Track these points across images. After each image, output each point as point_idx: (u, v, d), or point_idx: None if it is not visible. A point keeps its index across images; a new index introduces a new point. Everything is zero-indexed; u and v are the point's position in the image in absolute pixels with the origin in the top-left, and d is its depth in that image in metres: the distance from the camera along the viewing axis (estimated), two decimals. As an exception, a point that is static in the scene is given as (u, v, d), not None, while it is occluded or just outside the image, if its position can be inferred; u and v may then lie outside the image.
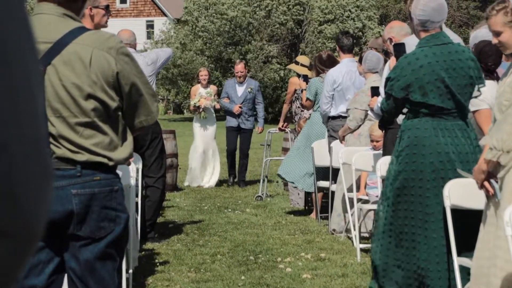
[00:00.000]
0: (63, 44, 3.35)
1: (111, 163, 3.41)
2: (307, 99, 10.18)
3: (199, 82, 14.06)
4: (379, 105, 7.08)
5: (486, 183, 4.23)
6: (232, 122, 13.91)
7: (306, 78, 10.85)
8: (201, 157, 13.81)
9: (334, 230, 8.86)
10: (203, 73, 14.06)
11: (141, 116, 3.50)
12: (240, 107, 13.76)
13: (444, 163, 5.26)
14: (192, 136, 14.31)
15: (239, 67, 14.09)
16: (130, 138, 3.51)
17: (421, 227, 5.29)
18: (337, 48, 9.70)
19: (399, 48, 5.73)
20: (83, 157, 3.36)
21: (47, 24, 3.38)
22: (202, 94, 13.73)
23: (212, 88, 14.00)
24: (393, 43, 5.93)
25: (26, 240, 1.00)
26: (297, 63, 11.70)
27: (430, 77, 5.28)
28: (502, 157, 4.00)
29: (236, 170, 14.06)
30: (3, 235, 0.97)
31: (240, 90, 13.95)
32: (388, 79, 5.40)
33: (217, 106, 13.94)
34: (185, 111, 39.86)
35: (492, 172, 4.18)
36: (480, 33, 6.60)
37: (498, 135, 3.95)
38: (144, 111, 3.50)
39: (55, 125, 3.35)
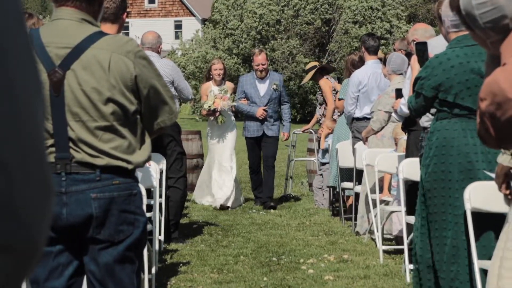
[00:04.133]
0: (82, 49, 3.39)
1: (130, 167, 3.44)
2: (340, 99, 10.16)
3: (211, 78, 11.05)
4: (402, 106, 7.08)
5: (502, 186, 4.22)
6: (252, 131, 11.05)
7: (339, 80, 10.84)
8: (218, 173, 10.99)
9: (357, 232, 8.87)
10: (217, 67, 10.99)
11: (159, 118, 3.53)
12: (264, 110, 10.98)
13: (473, 163, 5.25)
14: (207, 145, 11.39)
15: (260, 58, 11.06)
16: (148, 141, 3.54)
17: (451, 229, 5.27)
18: (363, 49, 9.68)
19: (421, 47, 5.72)
20: (102, 161, 3.39)
21: (66, 29, 3.42)
22: (215, 93, 10.86)
23: (228, 86, 11.09)
24: (415, 42, 5.92)
25: (28, 254, 1.03)
26: (307, 71, 11.69)
27: (461, 77, 5.28)
28: None
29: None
30: (5, 249, 1.00)
31: (262, 88, 11.07)
32: (418, 78, 5.40)
33: (232, 109, 11.13)
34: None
35: None
36: None
37: None
38: (163, 113, 3.53)
39: (75, 129, 3.39)
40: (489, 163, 5.27)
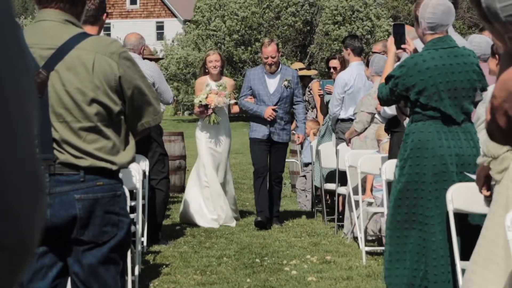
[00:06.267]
0: (66, 50, 3.39)
1: (114, 168, 3.44)
2: None
3: (206, 73, 9.61)
4: (385, 108, 7.11)
5: (483, 188, 4.25)
6: (259, 132, 9.44)
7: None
8: (213, 185, 9.59)
9: (344, 234, 8.88)
10: (213, 58, 9.53)
11: (143, 119, 3.53)
12: (274, 110, 9.42)
13: (447, 166, 5.28)
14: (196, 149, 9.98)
15: (270, 49, 9.42)
16: (132, 142, 3.54)
17: (421, 229, 5.31)
18: (348, 51, 9.66)
19: (398, 30, 5.75)
20: (86, 162, 3.39)
21: (50, 30, 3.41)
22: (211, 88, 9.42)
23: (228, 82, 9.67)
24: (393, 23, 5.94)
25: (21, 253, 1.03)
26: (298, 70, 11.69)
27: (435, 80, 5.32)
28: (492, 163, 4.01)
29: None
30: None
31: (272, 83, 9.48)
32: (392, 76, 5.43)
33: (235, 109, 9.67)
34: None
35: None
36: (475, 39, 6.66)
37: (487, 140, 3.97)
38: (147, 114, 3.53)
39: (59, 130, 3.38)
40: (462, 165, 5.31)
